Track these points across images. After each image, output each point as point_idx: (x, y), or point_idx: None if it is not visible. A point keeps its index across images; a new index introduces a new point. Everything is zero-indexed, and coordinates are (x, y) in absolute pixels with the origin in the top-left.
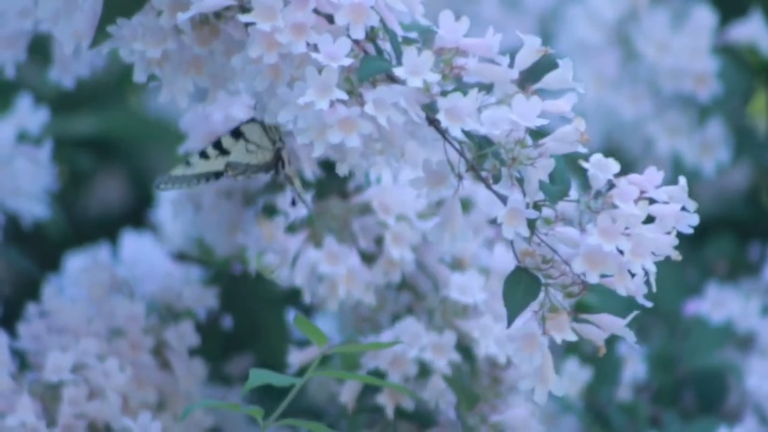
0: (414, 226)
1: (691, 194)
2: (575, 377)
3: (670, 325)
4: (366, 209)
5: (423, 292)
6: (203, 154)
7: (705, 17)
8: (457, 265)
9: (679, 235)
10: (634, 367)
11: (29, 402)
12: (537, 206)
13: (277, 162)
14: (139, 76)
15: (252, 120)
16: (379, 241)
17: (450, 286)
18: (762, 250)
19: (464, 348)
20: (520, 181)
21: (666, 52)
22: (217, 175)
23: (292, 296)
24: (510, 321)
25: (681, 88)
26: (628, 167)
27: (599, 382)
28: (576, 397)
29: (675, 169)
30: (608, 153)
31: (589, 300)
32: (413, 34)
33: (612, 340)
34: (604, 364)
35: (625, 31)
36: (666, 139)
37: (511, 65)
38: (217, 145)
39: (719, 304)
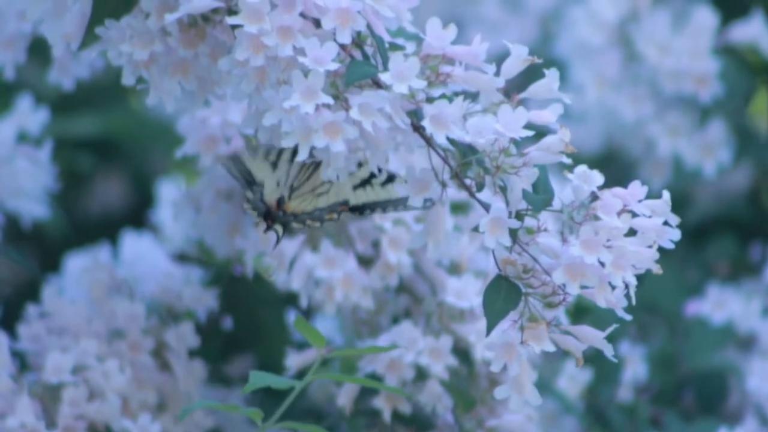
0: (411, 230)
1: (692, 195)
2: (575, 378)
3: (670, 325)
4: None
5: (421, 296)
6: None
7: (706, 18)
8: (454, 269)
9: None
10: (635, 368)
11: (29, 403)
12: (519, 215)
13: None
14: (127, 79)
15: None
16: (376, 244)
17: (446, 290)
18: (763, 250)
19: (461, 351)
20: (504, 190)
21: (667, 53)
22: None
23: (293, 298)
24: (489, 329)
25: (682, 89)
26: (629, 168)
27: (599, 383)
28: (576, 397)
29: (676, 170)
30: (609, 154)
31: (586, 300)
32: (400, 41)
33: (612, 341)
34: (604, 364)
35: (626, 32)
36: (667, 140)
37: (497, 73)
38: None
39: (720, 304)
